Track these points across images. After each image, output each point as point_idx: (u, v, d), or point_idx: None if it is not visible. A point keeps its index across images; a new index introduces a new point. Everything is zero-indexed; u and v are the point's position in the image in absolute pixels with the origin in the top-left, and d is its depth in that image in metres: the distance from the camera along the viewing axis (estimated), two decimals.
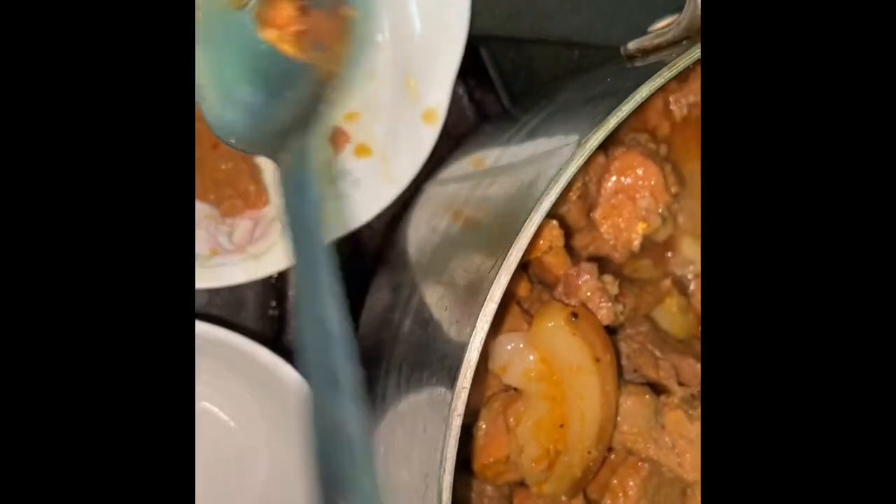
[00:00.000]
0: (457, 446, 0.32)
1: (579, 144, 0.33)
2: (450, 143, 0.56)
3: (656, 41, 0.39)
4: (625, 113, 0.33)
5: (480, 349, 0.32)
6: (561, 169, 0.33)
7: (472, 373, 0.32)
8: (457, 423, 0.32)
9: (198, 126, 0.48)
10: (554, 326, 0.40)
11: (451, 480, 0.32)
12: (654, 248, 0.46)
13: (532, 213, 0.32)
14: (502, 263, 0.32)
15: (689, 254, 0.47)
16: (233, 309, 0.57)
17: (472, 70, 0.58)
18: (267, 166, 0.53)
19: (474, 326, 0.32)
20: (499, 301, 0.32)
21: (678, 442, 0.46)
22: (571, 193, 0.43)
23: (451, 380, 0.33)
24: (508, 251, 0.32)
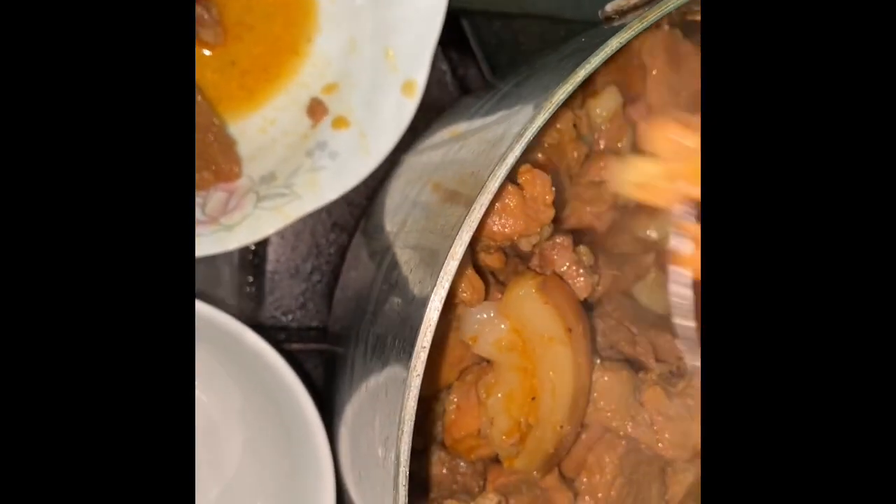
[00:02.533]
0: (415, 407, 0.31)
1: (546, 99, 0.32)
2: (431, 117, 0.55)
3: (633, 1, 0.38)
4: (593, 66, 0.32)
5: (440, 308, 0.31)
6: (526, 124, 0.31)
7: (432, 332, 0.31)
8: (416, 382, 0.31)
9: None
10: (525, 294, 0.39)
11: (409, 441, 0.31)
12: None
13: (496, 168, 0.31)
14: (464, 220, 0.31)
15: None
16: (208, 284, 0.56)
17: (455, 43, 0.57)
18: (241, 139, 0.52)
19: (434, 285, 0.31)
20: (460, 258, 0.31)
21: (656, 419, 0.45)
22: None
23: (413, 340, 0.32)
24: (471, 208, 0.31)
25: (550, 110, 0.32)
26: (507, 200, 0.37)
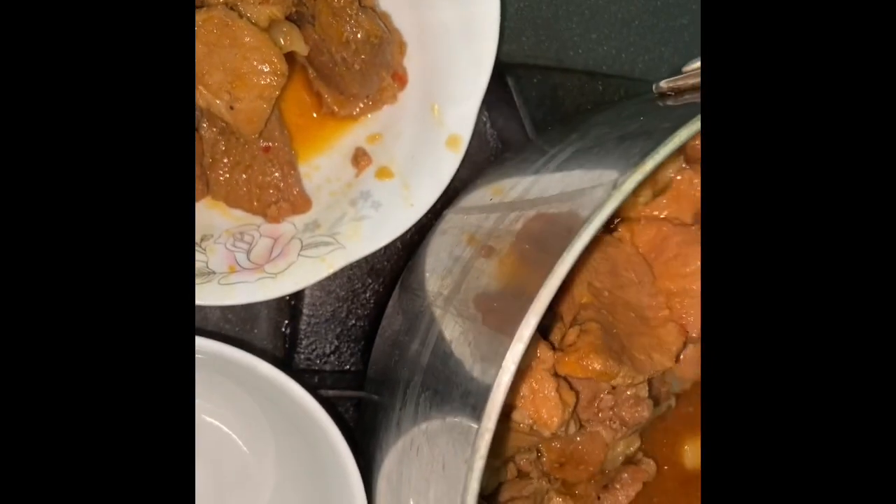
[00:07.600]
0: (478, 490, 0.31)
1: (615, 186, 0.33)
2: (469, 170, 0.56)
3: (692, 81, 0.39)
4: (662, 156, 0.33)
5: (507, 390, 0.32)
6: (594, 211, 0.32)
7: (498, 414, 0.31)
8: (479, 465, 0.31)
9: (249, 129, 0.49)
10: None
11: None
12: None
13: (564, 254, 0.32)
14: (532, 303, 0.32)
15: None
16: (245, 325, 0.56)
17: (495, 97, 0.58)
18: (307, 172, 0.54)
19: (500, 366, 0.32)
20: (528, 341, 0.32)
21: None
22: None
23: (475, 419, 0.32)
24: (538, 291, 0.32)
25: (619, 199, 0.32)
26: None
